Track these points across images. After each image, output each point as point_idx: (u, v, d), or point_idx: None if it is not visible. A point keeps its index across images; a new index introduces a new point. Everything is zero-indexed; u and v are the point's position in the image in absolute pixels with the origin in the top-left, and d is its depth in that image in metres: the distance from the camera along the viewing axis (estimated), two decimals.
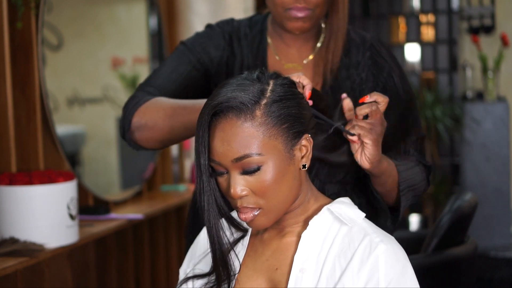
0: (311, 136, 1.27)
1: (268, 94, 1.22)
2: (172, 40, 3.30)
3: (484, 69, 4.70)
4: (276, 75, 1.27)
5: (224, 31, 1.66)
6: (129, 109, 1.57)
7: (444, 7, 5.23)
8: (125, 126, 1.58)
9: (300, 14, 1.53)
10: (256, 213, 1.24)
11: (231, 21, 1.70)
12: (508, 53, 5.02)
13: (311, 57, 1.62)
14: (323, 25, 1.63)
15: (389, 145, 1.51)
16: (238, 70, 1.63)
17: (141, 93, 1.61)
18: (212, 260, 1.29)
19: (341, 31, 1.58)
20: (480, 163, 4.62)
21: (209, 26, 1.69)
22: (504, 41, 4.73)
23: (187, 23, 3.31)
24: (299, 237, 1.29)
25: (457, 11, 5.18)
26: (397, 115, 1.55)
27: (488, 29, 5.13)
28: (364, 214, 1.30)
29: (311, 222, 1.28)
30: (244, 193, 1.22)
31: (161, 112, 1.54)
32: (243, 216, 1.24)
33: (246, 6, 3.46)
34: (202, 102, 1.46)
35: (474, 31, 5.13)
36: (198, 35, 1.68)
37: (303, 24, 1.55)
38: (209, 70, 1.65)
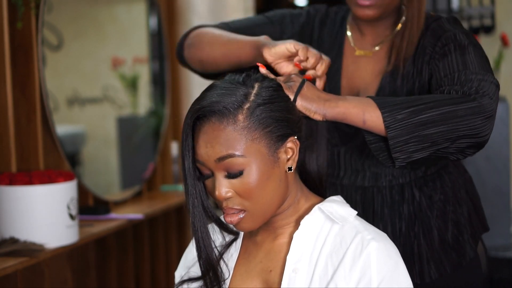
0: (297, 138, 1.27)
1: (251, 98, 1.23)
2: (172, 40, 3.30)
3: None
4: (263, 78, 1.27)
5: (311, 13, 1.71)
6: (192, 28, 1.69)
7: (444, 7, 5.23)
8: (180, 42, 1.69)
9: (366, 2, 1.54)
10: (241, 216, 1.24)
11: (325, 6, 1.74)
12: (508, 53, 5.02)
13: (379, 47, 1.63)
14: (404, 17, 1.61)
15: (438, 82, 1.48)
16: (314, 46, 1.65)
17: (215, 25, 1.71)
18: (199, 264, 1.30)
19: (417, 19, 1.56)
20: (480, 163, 4.62)
21: (305, 6, 1.76)
22: (504, 41, 4.73)
23: (187, 23, 3.31)
24: (291, 237, 1.29)
25: (457, 11, 5.18)
26: (454, 58, 1.49)
27: (488, 29, 5.14)
28: (355, 212, 1.30)
29: (302, 222, 1.28)
30: (228, 194, 1.23)
31: (209, 35, 1.61)
32: (228, 219, 1.25)
33: (246, 6, 3.46)
34: (247, 39, 1.52)
35: (474, 31, 5.13)
36: (285, 10, 1.76)
37: (369, 12, 1.55)
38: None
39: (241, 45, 1.51)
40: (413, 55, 1.57)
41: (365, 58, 1.63)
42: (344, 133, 1.61)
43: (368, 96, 1.39)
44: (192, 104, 1.24)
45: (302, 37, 1.69)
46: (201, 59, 1.63)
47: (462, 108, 1.36)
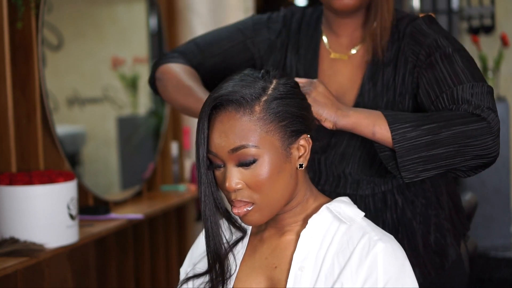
0: (310, 137, 1.28)
1: (269, 91, 1.25)
2: (172, 40, 3.30)
3: (484, 69, 4.69)
4: (280, 75, 1.29)
5: (288, 16, 1.70)
6: (163, 58, 1.73)
7: (444, 7, 5.23)
8: (152, 71, 1.74)
9: None
10: (249, 209, 1.25)
11: (301, 8, 1.74)
12: (508, 53, 5.02)
13: (355, 50, 1.62)
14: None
15: (432, 97, 1.47)
16: (292, 55, 1.66)
17: (185, 47, 1.73)
18: (207, 253, 1.30)
19: (386, 3, 1.55)
20: None
21: (282, 10, 1.75)
22: (504, 41, 4.73)
23: (187, 23, 3.31)
24: (298, 235, 1.30)
25: (457, 11, 5.18)
26: (443, 68, 1.48)
27: (488, 29, 5.14)
28: (363, 213, 1.30)
29: (310, 221, 1.29)
30: (239, 186, 1.23)
31: (174, 81, 1.65)
32: (236, 210, 1.25)
33: (246, 6, 3.46)
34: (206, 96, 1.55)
35: (474, 31, 5.13)
36: (263, 17, 1.74)
37: (348, 1, 1.54)
38: (254, 54, 1.71)
39: (197, 102, 1.56)
40: (395, 60, 1.56)
41: (342, 61, 1.62)
42: (323, 143, 1.60)
43: (379, 110, 1.41)
44: (210, 94, 1.26)
45: (275, 45, 1.68)
46: (167, 100, 1.72)
47: (472, 128, 1.37)
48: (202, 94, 1.57)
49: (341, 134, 1.56)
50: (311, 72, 1.62)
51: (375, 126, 1.37)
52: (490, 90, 1.44)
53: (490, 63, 4.74)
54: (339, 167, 1.59)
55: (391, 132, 1.36)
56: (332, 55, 1.62)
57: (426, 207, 1.59)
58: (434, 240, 1.58)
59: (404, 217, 1.58)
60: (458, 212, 1.65)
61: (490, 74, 4.71)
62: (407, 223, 1.57)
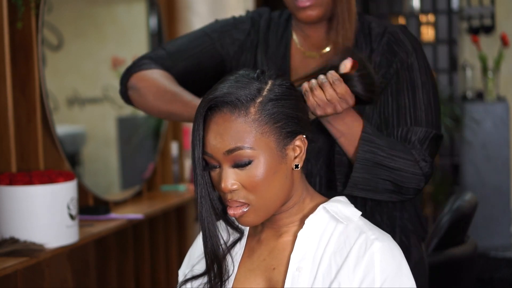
0: (305, 137, 1.28)
1: (264, 93, 1.25)
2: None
3: (484, 69, 4.70)
4: (276, 75, 1.29)
5: (255, 18, 1.72)
6: (133, 67, 1.70)
7: (444, 7, 5.23)
8: (122, 81, 1.71)
9: (307, 3, 1.55)
10: (245, 210, 1.25)
11: (268, 10, 1.76)
12: (508, 53, 5.02)
13: (328, 48, 1.63)
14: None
15: (390, 125, 1.54)
16: (262, 54, 1.67)
17: (154, 53, 1.72)
18: (204, 254, 1.30)
19: (347, 14, 1.58)
20: (480, 163, 4.62)
21: (248, 12, 1.78)
22: (504, 41, 4.73)
23: (187, 23, 3.31)
24: (295, 236, 1.30)
25: (457, 11, 5.18)
26: (406, 99, 1.55)
27: (488, 29, 5.14)
28: (360, 213, 1.30)
29: (307, 221, 1.29)
30: (234, 187, 1.24)
31: (153, 88, 1.64)
32: (232, 212, 1.26)
33: (246, 6, 3.46)
34: (197, 101, 1.56)
35: (474, 31, 5.14)
36: (229, 20, 1.76)
37: (311, 13, 1.56)
38: (224, 57, 1.72)
39: (185, 105, 1.57)
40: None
41: (314, 60, 1.63)
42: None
43: (365, 130, 1.48)
44: (205, 95, 1.26)
45: (244, 45, 1.70)
46: (145, 109, 1.70)
47: (409, 173, 1.49)
48: (189, 97, 1.58)
49: (314, 132, 1.57)
50: (283, 69, 1.64)
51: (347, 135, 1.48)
52: (439, 139, 1.55)
53: (490, 63, 4.74)
54: (314, 165, 1.60)
55: (356, 160, 1.46)
56: (304, 53, 1.64)
57: (392, 209, 1.61)
58: (399, 241, 1.60)
59: (372, 218, 1.59)
60: (418, 215, 1.68)
61: (490, 74, 4.71)
62: (375, 224, 1.59)
